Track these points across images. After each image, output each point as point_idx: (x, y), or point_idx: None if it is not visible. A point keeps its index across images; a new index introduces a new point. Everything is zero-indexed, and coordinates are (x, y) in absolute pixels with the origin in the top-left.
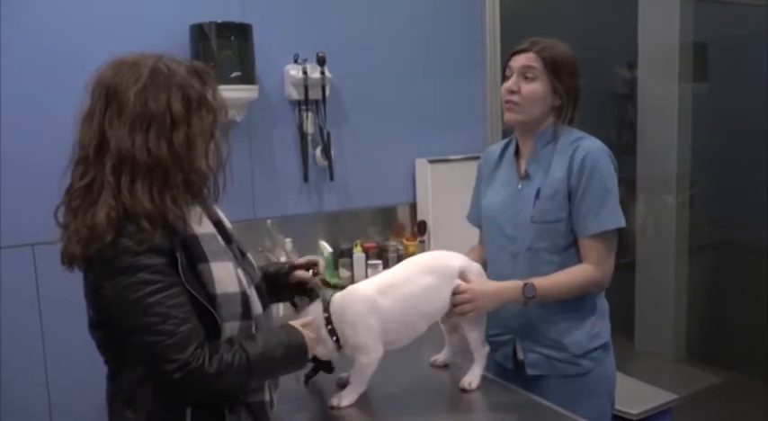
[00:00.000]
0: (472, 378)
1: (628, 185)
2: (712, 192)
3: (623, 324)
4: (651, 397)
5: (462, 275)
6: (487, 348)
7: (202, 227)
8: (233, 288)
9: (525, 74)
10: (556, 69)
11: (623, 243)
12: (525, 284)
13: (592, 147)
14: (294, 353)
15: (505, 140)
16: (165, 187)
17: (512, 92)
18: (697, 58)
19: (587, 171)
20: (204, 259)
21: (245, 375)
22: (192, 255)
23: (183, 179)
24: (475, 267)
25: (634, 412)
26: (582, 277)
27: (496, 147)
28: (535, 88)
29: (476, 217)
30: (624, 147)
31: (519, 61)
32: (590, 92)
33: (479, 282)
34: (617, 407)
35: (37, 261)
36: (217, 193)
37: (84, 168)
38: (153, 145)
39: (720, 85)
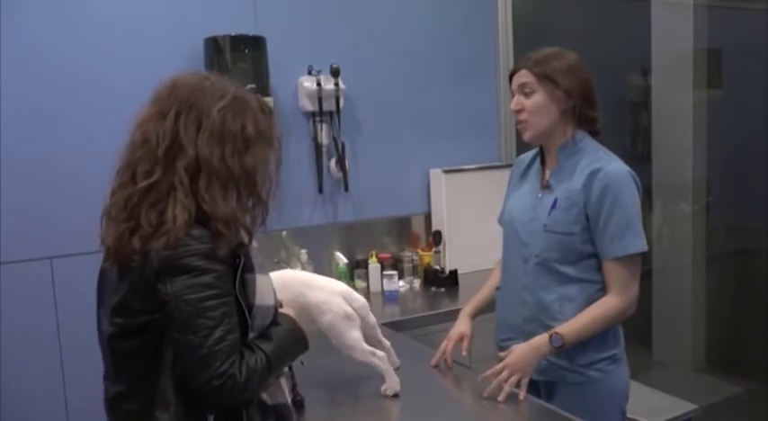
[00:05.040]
0: (387, 385)
1: (643, 193)
2: (729, 200)
3: (641, 333)
4: (670, 407)
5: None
6: (380, 354)
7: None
8: (269, 301)
9: (524, 90)
10: (549, 76)
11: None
12: (551, 336)
13: (615, 173)
14: (297, 337)
15: (537, 149)
16: (237, 200)
17: (517, 111)
18: (711, 64)
19: (610, 198)
20: (251, 269)
21: (266, 375)
22: (243, 264)
23: (247, 198)
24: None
25: None
26: (602, 313)
27: (527, 155)
28: (535, 100)
29: (501, 220)
30: (639, 155)
31: (516, 81)
32: (604, 99)
33: (512, 353)
34: (637, 418)
35: (55, 274)
36: (265, 219)
37: (150, 166)
38: (229, 158)
39: (735, 91)
